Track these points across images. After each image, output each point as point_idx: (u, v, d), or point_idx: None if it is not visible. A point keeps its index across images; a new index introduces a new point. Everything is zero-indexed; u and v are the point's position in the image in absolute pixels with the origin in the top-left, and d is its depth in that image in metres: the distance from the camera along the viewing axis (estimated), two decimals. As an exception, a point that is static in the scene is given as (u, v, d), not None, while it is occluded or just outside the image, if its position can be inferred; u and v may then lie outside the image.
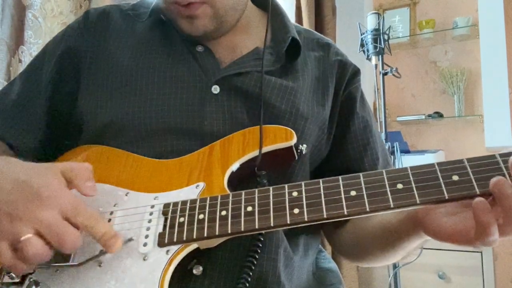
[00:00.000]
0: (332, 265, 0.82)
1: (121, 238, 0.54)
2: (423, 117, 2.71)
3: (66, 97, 0.76)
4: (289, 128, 0.64)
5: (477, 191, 0.47)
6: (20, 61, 1.30)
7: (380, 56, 2.11)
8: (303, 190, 0.53)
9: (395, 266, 1.92)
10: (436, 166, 0.50)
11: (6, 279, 0.56)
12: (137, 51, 0.74)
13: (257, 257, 0.61)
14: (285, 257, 0.66)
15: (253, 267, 0.60)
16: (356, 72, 0.81)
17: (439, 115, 2.68)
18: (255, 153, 0.62)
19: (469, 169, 0.48)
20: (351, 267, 2.21)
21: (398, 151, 2.24)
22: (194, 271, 0.59)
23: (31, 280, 0.56)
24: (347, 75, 0.80)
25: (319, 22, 2.28)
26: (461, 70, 2.68)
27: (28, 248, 0.48)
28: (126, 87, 0.70)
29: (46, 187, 0.51)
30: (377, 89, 2.14)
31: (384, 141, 0.87)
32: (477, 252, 2.19)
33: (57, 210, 0.50)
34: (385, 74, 2.11)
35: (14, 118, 0.76)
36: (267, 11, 0.81)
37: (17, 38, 1.30)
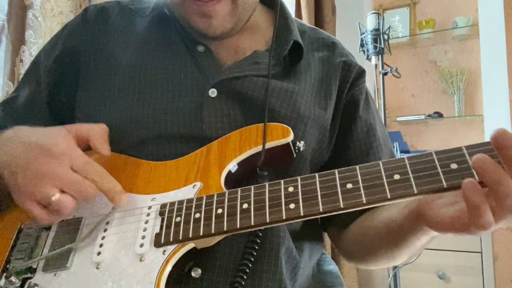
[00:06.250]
0: (333, 266, 0.81)
1: (127, 194, 0.58)
2: (423, 117, 2.71)
3: (66, 99, 0.75)
4: (286, 125, 0.63)
5: (477, 178, 0.45)
6: (21, 60, 1.31)
7: (380, 56, 2.10)
8: (299, 185, 0.52)
9: (395, 266, 1.91)
10: (434, 155, 0.49)
11: (5, 283, 0.57)
12: (136, 50, 0.73)
13: (252, 259, 0.60)
14: (286, 259, 0.65)
15: (246, 273, 0.60)
16: (361, 73, 0.79)
17: (439, 115, 2.68)
18: (252, 151, 0.62)
19: (467, 156, 0.47)
20: (351, 267, 2.21)
21: (398, 151, 2.24)
22: (193, 274, 0.59)
23: (31, 283, 0.56)
24: (351, 77, 0.78)
25: (319, 21, 2.28)
26: (461, 70, 2.69)
27: (61, 206, 0.53)
28: (124, 91, 0.70)
29: (56, 145, 0.55)
30: (377, 89, 2.14)
31: (391, 144, 0.85)
32: (477, 252, 2.18)
33: (69, 167, 0.54)
34: (385, 74, 2.11)
35: (25, 121, 0.75)
36: (273, 9, 0.80)
37: (20, 38, 1.31)
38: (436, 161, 0.48)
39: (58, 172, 0.53)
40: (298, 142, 0.65)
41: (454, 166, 0.47)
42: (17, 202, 0.55)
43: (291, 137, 0.63)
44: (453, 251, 2.21)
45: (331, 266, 0.81)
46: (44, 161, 0.53)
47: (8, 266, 0.59)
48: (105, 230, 0.58)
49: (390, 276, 1.93)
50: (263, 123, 0.64)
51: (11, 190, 0.56)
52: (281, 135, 0.63)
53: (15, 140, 0.57)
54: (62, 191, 0.53)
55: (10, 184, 0.56)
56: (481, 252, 2.17)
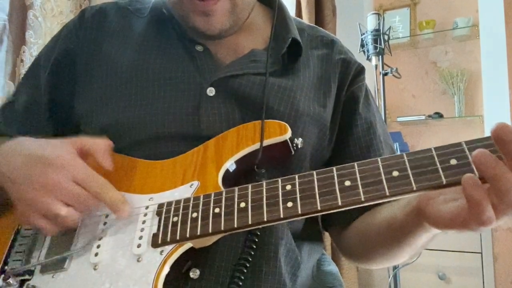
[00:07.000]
0: (333, 267, 0.81)
1: (129, 204, 0.58)
2: (423, 117, 2.71)
3: (64, 101, 0.75)
4: (283, 122, 0.63)
5: (477, 174, 0.44)
6: (22, 60, 1.31)
7: (380, 56, 2.10)
8: (297, 183, 0.52)
9: (395, 267, 1.91)
10: (433, 151, 0.48)
11: (4, 285, 0.56)
12: (134, 51, 0.73)
13: (250, 259, 0.60)
14: (285, 259, 0.65)
15: (244, 273, 0.59)
16: (360, 71, 0.79)
17: (439, 115, 2.67)
18: (250, 149, 0.61)
19: (467, 152, 0.46)
20: (351, 268, 2.20)
21: (398, 151, 2.23)
22: (191, 274, 0.59)
23: (29, 285, 0.56)
24: (350, 75, 0.77)
25: (319, 22, 2.28)
26: (461, 71, 2.68)
27: (68, 220, 0.54)
28: (122, 91, 0.69)
29: (58, 157, 0.55)
30: (377, 90, 2.14)
31: (392, 141, 0.85)
32: (477, 252, 2.18)
33: (71, 179, 0.54)
34: (385, 74, 2.11)
35: (25, 126, 0.75)
36: (271, 8, 0.79)
37: (20, 38, 1.32)
38: (436, 157, 0.47)
39: (60, 184, 0.53)
40: (296, 139, 0.65)
41: (453, 162, 0.46)
42: (19, 214, 0.55)
43: (288, 134, 0.62)
44: (453, 251, 2.21)
45: (331, 266, 0.81)
46: (46, 173, 0.53)
47: (6, 267, 0.59)
48: (102, 231, 0.58)
49: (390, 276, 1.93)
50: (260, 120, 0.63)
51: (13, 202, 0.56)
52: (279, 132, 0.62)
53: (17, 151, 0.57)
54: (65, 204, 0.53)
55: (12, 196, 0.55)
56: (481, 253, 2.16)
